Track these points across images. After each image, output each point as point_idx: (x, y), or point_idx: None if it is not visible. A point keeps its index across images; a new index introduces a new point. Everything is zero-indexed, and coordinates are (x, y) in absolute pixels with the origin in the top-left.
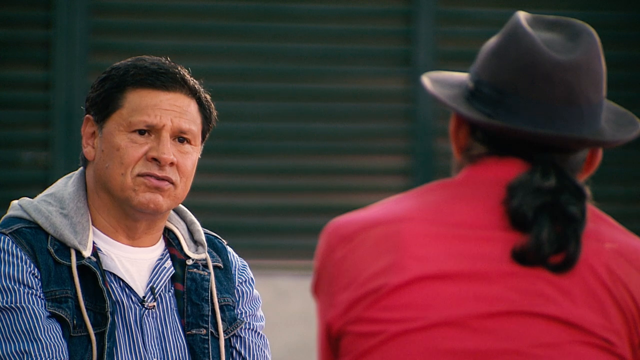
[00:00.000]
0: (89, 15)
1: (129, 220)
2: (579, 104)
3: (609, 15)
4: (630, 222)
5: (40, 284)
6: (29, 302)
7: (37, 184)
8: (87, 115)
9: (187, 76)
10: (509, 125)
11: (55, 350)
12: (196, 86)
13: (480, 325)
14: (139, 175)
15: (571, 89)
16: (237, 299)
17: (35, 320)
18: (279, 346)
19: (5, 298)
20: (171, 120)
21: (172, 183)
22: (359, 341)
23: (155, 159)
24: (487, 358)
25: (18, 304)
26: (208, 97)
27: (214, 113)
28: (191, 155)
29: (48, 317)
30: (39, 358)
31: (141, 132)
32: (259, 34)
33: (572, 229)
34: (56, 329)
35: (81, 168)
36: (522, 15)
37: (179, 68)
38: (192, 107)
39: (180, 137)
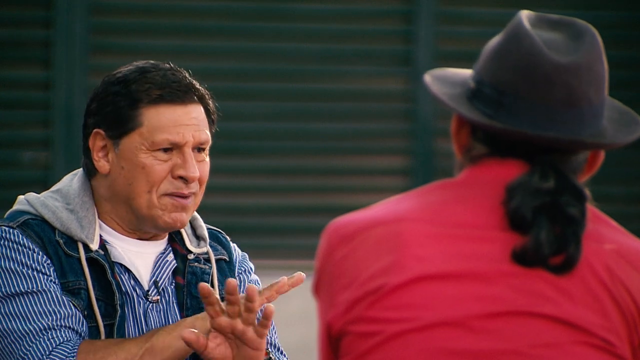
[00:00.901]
0: (89, 15)
1: (141, 230)
2: (579, 105)
3: (609, 15)
4: (631, 222)
5: (55, 273)
6: (49, 287)
7: (37, 184)
8: (95, 130)
9: (193, 81)
10: (509, 126)
11: (79, 322)
12: (202, 91)
13: (480, 326)
14: (166, 194)
15: (572, 90)
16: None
17: (58, 300)
18: None
19: (26, 283)
20: (192, 135)
21: (195, 195)
22: (359, 341)
23: (181, 177)
24: (487, 358)
25: (39, 288)
26: (209, 96)
27: (214, 112)
28: (207, 162)
29: (68, 301)
30: (63, 325)
31: (164, 150)
32: (259, 34)
33: (571, 230)
34: (76, 309)
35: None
36: (524, 15)
37: (184, 73)
38: (202, 114)
39: (199, 148)
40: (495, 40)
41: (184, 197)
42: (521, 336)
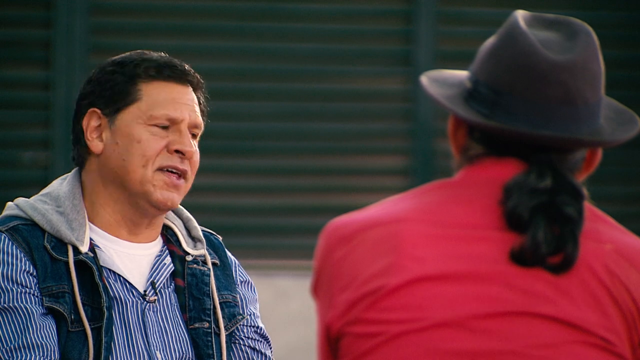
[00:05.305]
0: (89, 15)
1: (137, 215)
2: (575, 103)
3: (609, 15)
4: (630, 222)
5: (36, 282)
6: (23, 302)
7: (37, 184)
8: (91, 109)
9: (191, 70)
10: (505, 125)
11: (47, 350)
12: (198, 79)
13: (478, 326)
14: (160, 168)
15: (567, 88)
16: (240, 298)
17: (28, 320)
18: (279, 346)
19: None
20: (189, 114)
21: (186, 177)
22: (358, 342)
23: (177, 151)
24: (486, 358)
25: (12, 304)
26: (204, 89)
27: (205, 105)
28: (198, 151)
29: (43, 314)
30: (29, 357)
31: (161, 127)
32: (259, 34)
33: (569, 229)
34: (50, 327)
35: (76, 168)
36: (520, 15)
37: (182, 63)
38: (196, 101)
39: (192, 133)
40: (490, 41)
41: (178, 174)
42: (520, 336)
